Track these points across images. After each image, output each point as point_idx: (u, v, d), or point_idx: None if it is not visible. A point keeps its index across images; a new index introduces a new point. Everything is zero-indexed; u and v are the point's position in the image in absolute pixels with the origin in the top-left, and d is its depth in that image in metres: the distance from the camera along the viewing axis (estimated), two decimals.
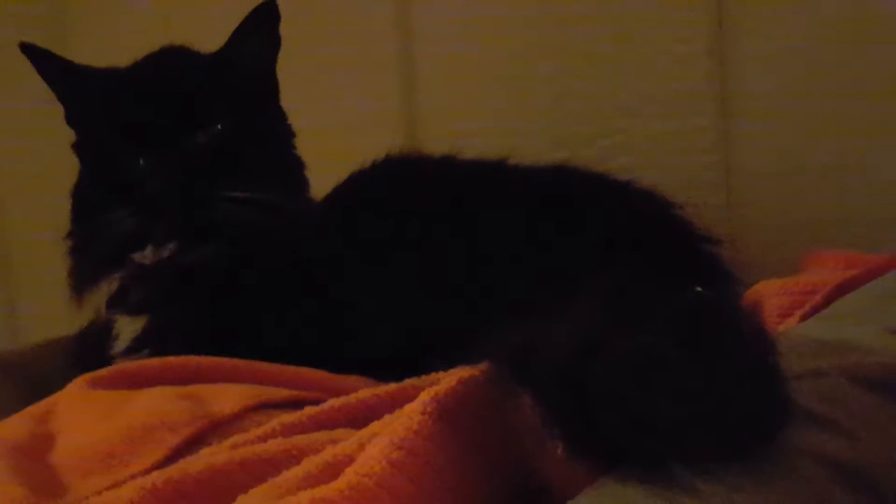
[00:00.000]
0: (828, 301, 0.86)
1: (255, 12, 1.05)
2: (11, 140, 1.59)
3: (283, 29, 1.08)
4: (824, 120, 1.27)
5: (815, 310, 0.85)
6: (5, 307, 1.69)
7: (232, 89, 1.05)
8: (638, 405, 0.52)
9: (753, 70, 1.30)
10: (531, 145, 1.33)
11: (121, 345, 1.03)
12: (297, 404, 0.83)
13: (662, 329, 0.54)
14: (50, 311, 1.22)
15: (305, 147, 1.14)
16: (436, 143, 1.26)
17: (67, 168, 1.11)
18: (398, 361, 0.93)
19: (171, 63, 1.06)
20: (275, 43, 1.07)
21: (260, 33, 1.06)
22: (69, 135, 1.10)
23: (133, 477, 0.70)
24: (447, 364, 0.79)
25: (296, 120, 1.14)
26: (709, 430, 0.51)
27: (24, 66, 1.06)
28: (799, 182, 1.29)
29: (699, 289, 0.54)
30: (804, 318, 0.85)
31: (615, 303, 0.60)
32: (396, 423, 0.61)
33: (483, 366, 0.62)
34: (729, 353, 0.52)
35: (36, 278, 1.61)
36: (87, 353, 1.06)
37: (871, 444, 0.59)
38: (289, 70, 1.11)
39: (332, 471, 0.60)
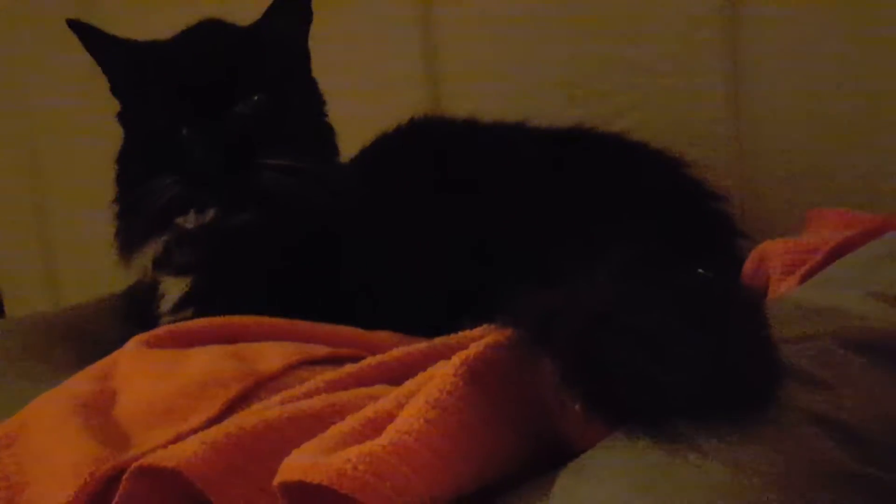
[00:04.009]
0: (826, 261, 0.91)
1: None
2: (50, 101, 1.62)
3: None
4: (834, 74, 1.29)
5: (815, 269, 0.91)
6: (46, 266, 1.74)
7: (268, 61, 1.08)
8: (645, 368, 0.58)
9: (765, 26, 1.32)
10: (548, 103, 1.37)
11: (167, 304, 1.08)
12: (335, 360, 0.88)
13: (669, 304, 0.60)
14: (88, 269, 1.26)
15: (330, 110, 1.17)
16: (457, 104, 1.30)
17: (105, 130, 1.14)
18: (427, 317, 1.00)
19: (210, 36, 1.09)
20: (307, 16, 1.10)
21: (293, 7, 1.09)
22: (105, 97, 1.12)
23: (192, 430, 0.75)
24: (474, 321, 0.85)
25: (321, 84, 1.16)
26: (706, 390, 0.58)
27: (62, 35, 1.08)
28: (810, 133, 1.31)
29: (702, 271, 0.60)
30: (805, 275, 0.90)
31: (629, 275, 0.66)
32: (431, 385, 0.66)
33: (508, 330, 0.67)
34: (725, 325, 0.59)
35: (74, 238, 1.66)
36: (135, 311, 1.10)
37: (856, 402, 0.64)
38: (313, 36, 1.13)
39: (374, 426, 0.66)
